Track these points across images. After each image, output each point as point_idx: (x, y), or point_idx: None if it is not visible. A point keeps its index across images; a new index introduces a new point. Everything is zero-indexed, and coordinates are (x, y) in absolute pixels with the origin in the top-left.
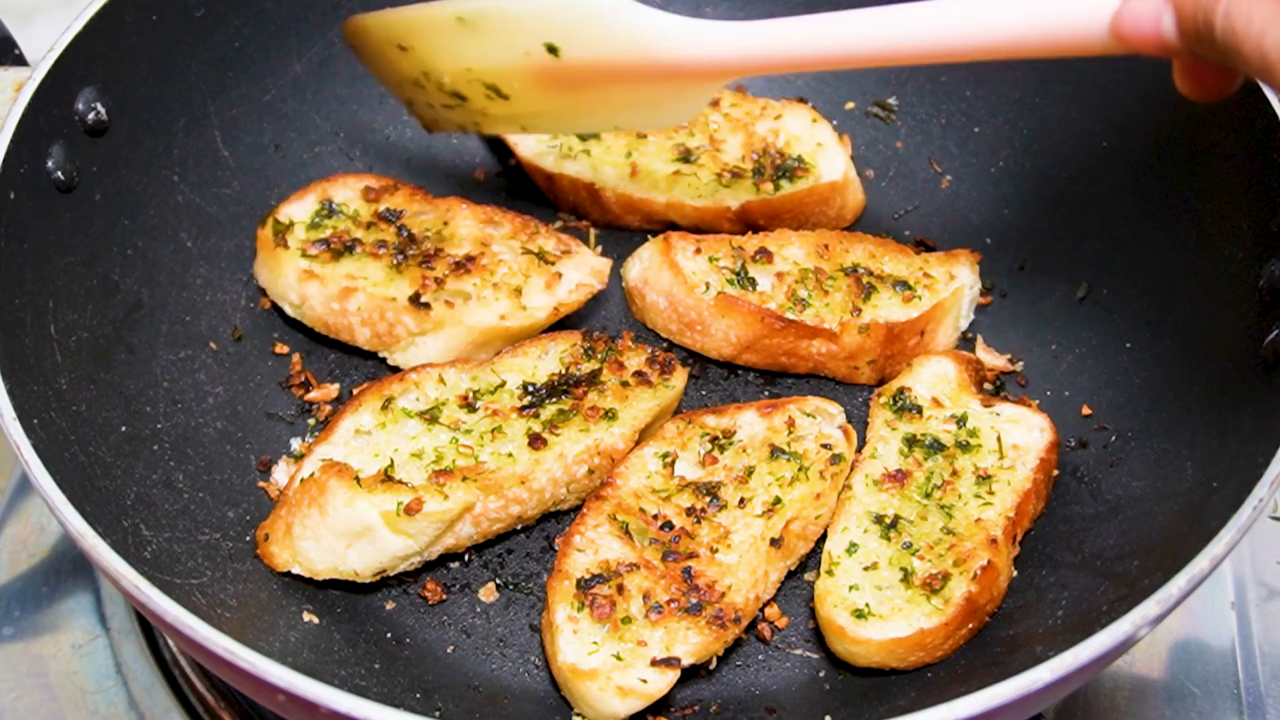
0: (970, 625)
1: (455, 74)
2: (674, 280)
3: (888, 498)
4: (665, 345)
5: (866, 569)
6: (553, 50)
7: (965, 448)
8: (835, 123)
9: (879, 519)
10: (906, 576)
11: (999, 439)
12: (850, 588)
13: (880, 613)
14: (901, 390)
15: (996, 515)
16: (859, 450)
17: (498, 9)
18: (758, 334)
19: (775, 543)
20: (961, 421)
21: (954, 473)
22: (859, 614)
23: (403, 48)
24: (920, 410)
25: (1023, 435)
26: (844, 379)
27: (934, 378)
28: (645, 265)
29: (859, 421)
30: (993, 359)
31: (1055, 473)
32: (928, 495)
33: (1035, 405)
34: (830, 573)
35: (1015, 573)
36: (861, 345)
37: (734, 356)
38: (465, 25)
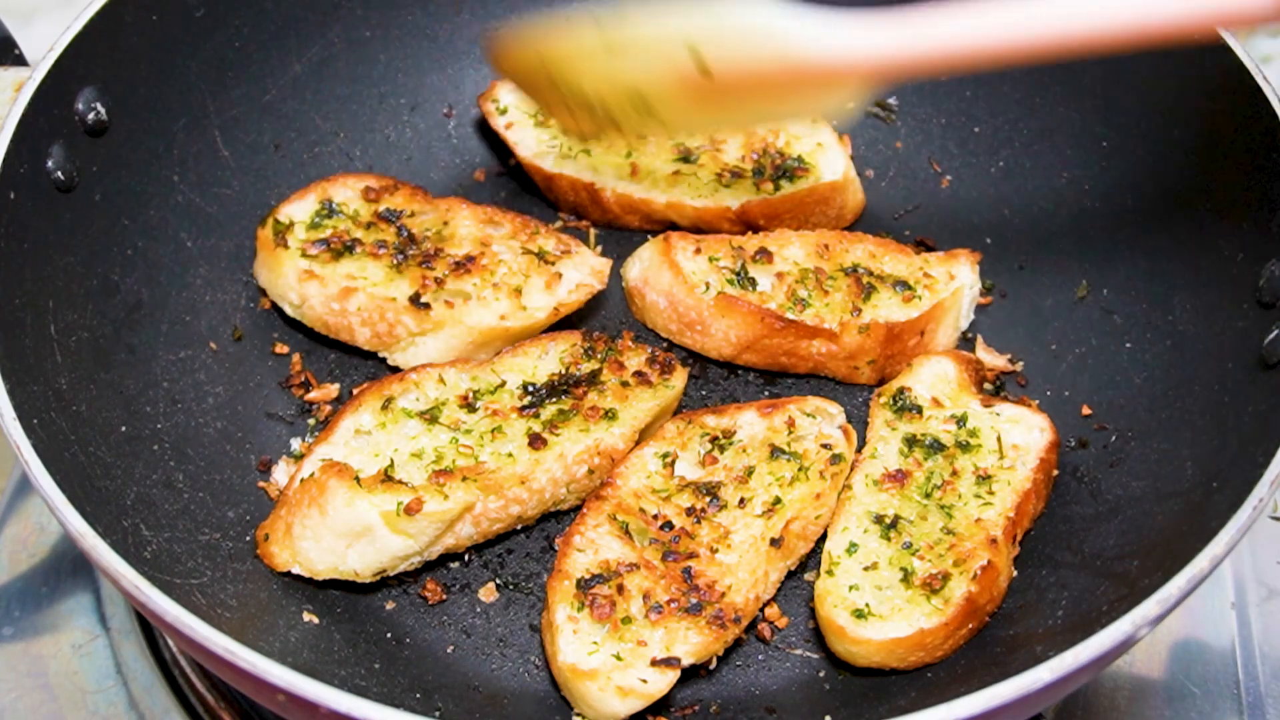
0: (970, 625)
1: (605, 95)
2: (674, 280)
3: (888, 498)
4: (665, 345)
5: (866, 569)
6: (703, 67)
7: (965, 448)
8: (835, 123)
9: (879, 519)
10: (906, 576)
11: (999, 439)
12: (850, 588)
13: (880, 613)
14: (901, 390)
15: (996, 515)
16: (859, 450)
17: (644, 31)
18: (758, 334)
19: (775, 543)
20: (961, 421)
21: (954, 473)
22: (859, 614)
23: (546, 72)
24: (920, 410)
25: (1023, 435)
26: (844, 379)
27: (934, 378)
28: (645, 265)
29: (859, 421)
30: (993, 359)
31: (1055, 473)
32: (928, 495)
33: (1035, 405)
34: (830, 573)
35: (1015, 573)
36: (861, 345)
37: (734, 356)
38: (612, 50)
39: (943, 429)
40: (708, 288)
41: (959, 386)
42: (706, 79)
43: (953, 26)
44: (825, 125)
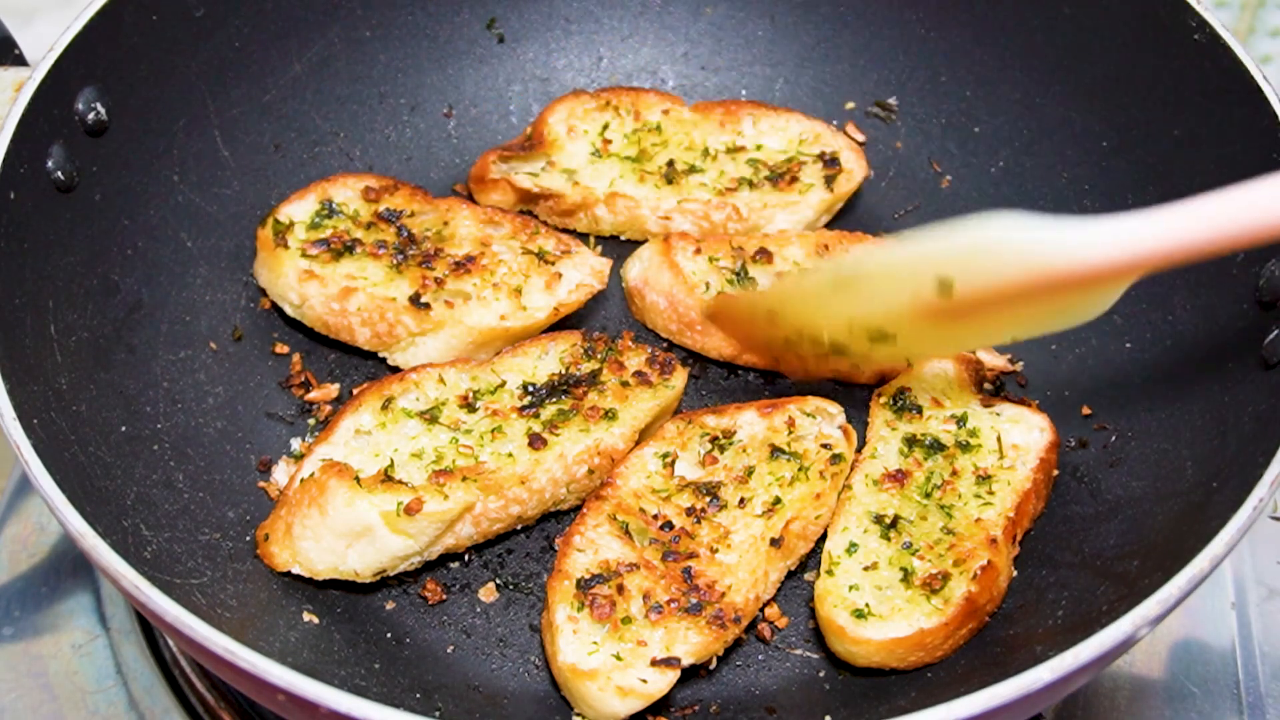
0: (970, 625)
1: (835, 330)
2: (674, 280)
3: (888, 498)
4: (665, 345)
5: (866, 569)
6: (945, 289)
7: (965, 448)
8: (835, 122)
9: (879, 519)
10: (906, 576)
11: (999, 439)
12: (850, 588)
13: (880, 613)
14: (901, 390)
15: (996, 515)
16: (859, 450)
17: (880, 266)
18: None
19: (775, 543)
20: (961, 421)
21: (954, 473)
22: (859, 614)
23: (772, 322)
24: (920, 410)
25: (1023, 435)
26: (844, 378)
27: (934, 377)
28: (645, 265)
29: (859, 421)
30: (993, 359)
31: (1055, 473)
32: (928, 495)
33: (1035, 405)
34: (830, 573)
35: (1015, 573)
36: None
37: (734, 357)
38: (845, 288)
39: (943, 429)
40: (708, 288)
41: (959, 386)
42: (948, 301)
43: (1201, 217)
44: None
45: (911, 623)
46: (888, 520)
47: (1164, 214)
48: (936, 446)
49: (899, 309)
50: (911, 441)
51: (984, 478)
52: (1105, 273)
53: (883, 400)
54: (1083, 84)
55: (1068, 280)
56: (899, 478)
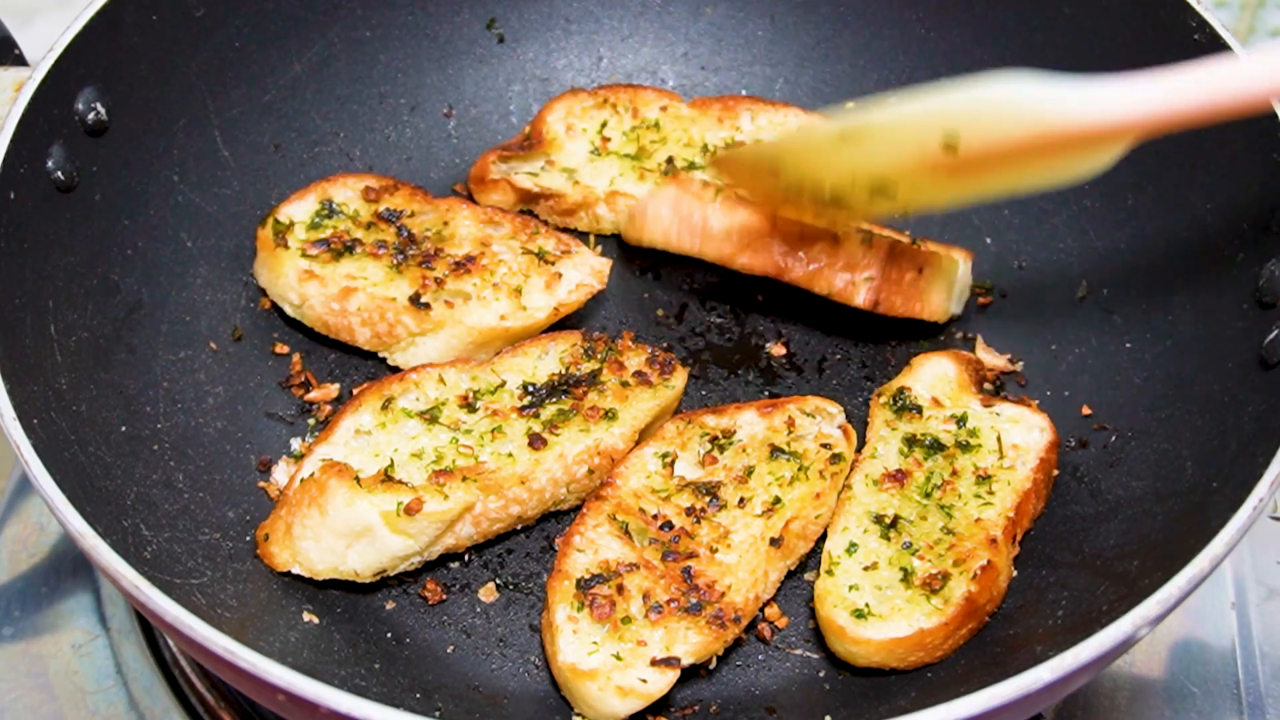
0: (970, 625)
1: (837, 183)
2: (679, 191)
3: (888, 497)
4: (659, 346)
5: (866, 569)
6: (950, 146)
7: (965, 448)
8: None
9: (879, 519)
10: (906, 576)
11: (999, 439)
12: (850, 588)
13: (880, 613)
14: (901, 390)
15: (996, 515)
16: (859, 450)
17: (885, 122)
18: (761, 228)
19: (775, 542)
20: (961, 421)
21: (954, 472)
22: (859, 614)
23: (775, 172)
24: (920, 410)
25: (1023, 435)
26: (837, 297)
27: (934, 377)
28: (651, 191)
29: (859, 421)
30: (993, 359)
31: (1055, 473)
32: (928, 495)
33: (1035, 405)
34: (830, 572)
35: (1015, 573)
36: (862, 257)
37: (731, 258)
38: (848, 141)
39: (942, 429)
40: (716, 192)
41: (959, 386)
42: (952, 157)
43: (1211, 79)
44: None
45: (911, 623)
46: (888, 520)
47: (1171, 77)
48: (936, 446)
49: (903, 164)
50: (911, 441)
51: (984, 478)
52: (1109, 132)
53: (882, 400)
54: None
55: (1072, 138)
56: (899, 478)
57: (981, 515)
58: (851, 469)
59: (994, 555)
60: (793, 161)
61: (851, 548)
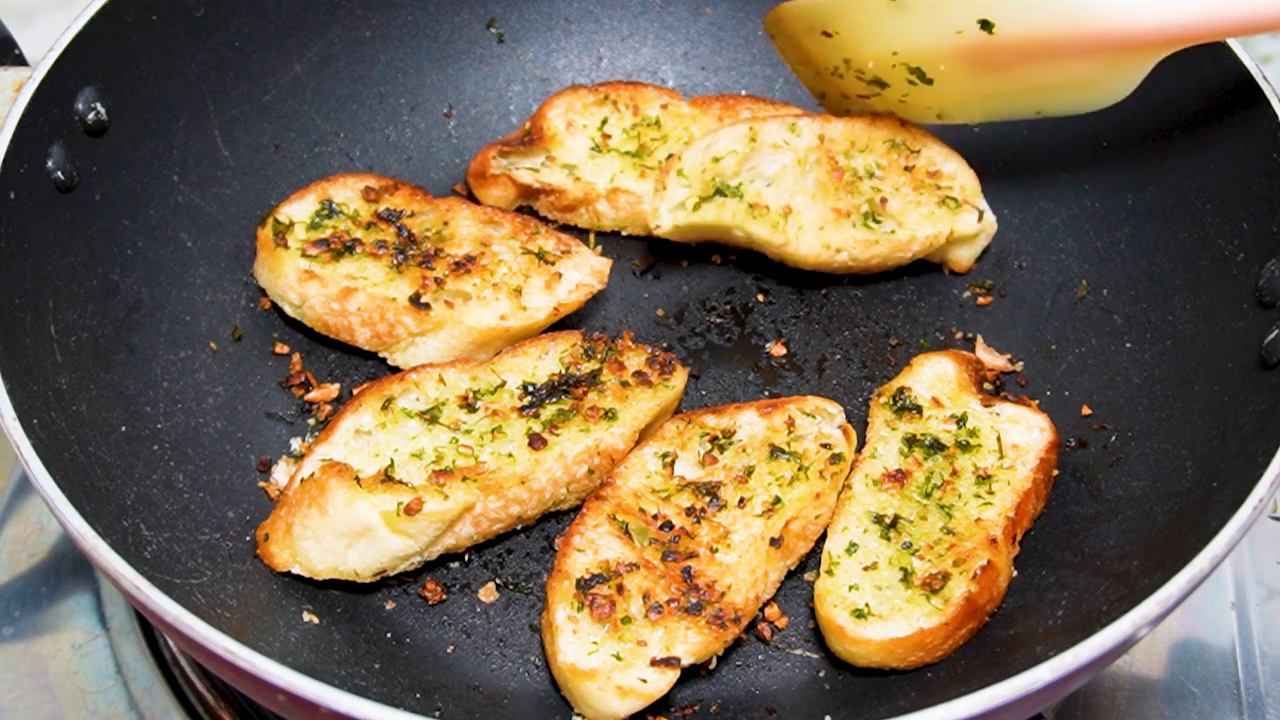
0: (970, 625)
1: (880, 59)
2: None
3: (888, 498)
4: (665, 346)
5: (866, 569)
6: (987, 26)
7: (965, 448)
8: None
9: (879, 519)
10: (906, 576)
11: (999, 439)
12: (850, 588)
13: (880, 613)
14: (901, 390)
15: (996, 515)
16: (859, 450)
17: None
18: None
19: (775, 542)
20: (961, 421)
21: (954, 473)
22: (859, 614)
23: (827, 33)
24: (920, 410)
25: (1023, 435)
26: (876, 113)
27: (934, 378)
28: None
29: (859, 421)
30: (993, 359)
31: (1055, 473)
32: (928, 495)
33: (1035, 405)
34: (830, 573)
35: (1015, 573)
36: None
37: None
38: (897, 5)
39: (943, 429)
40: None
41: (959, 386)
42: (988, 38)
43: None
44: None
45: (911, 623)
46: (888, 520)
47: None
48: (936, 446)
49: (941, 43)
50: (911, 441)
51: (984, 478)
52: (1140, 37)
53: (882, 400)
54: None
55: (1104, 37)
56: (899, 478)
57: (981, 515)
58: (851, 469)
59: (994, 555)
60: (844, 20)
61: (851, 548)
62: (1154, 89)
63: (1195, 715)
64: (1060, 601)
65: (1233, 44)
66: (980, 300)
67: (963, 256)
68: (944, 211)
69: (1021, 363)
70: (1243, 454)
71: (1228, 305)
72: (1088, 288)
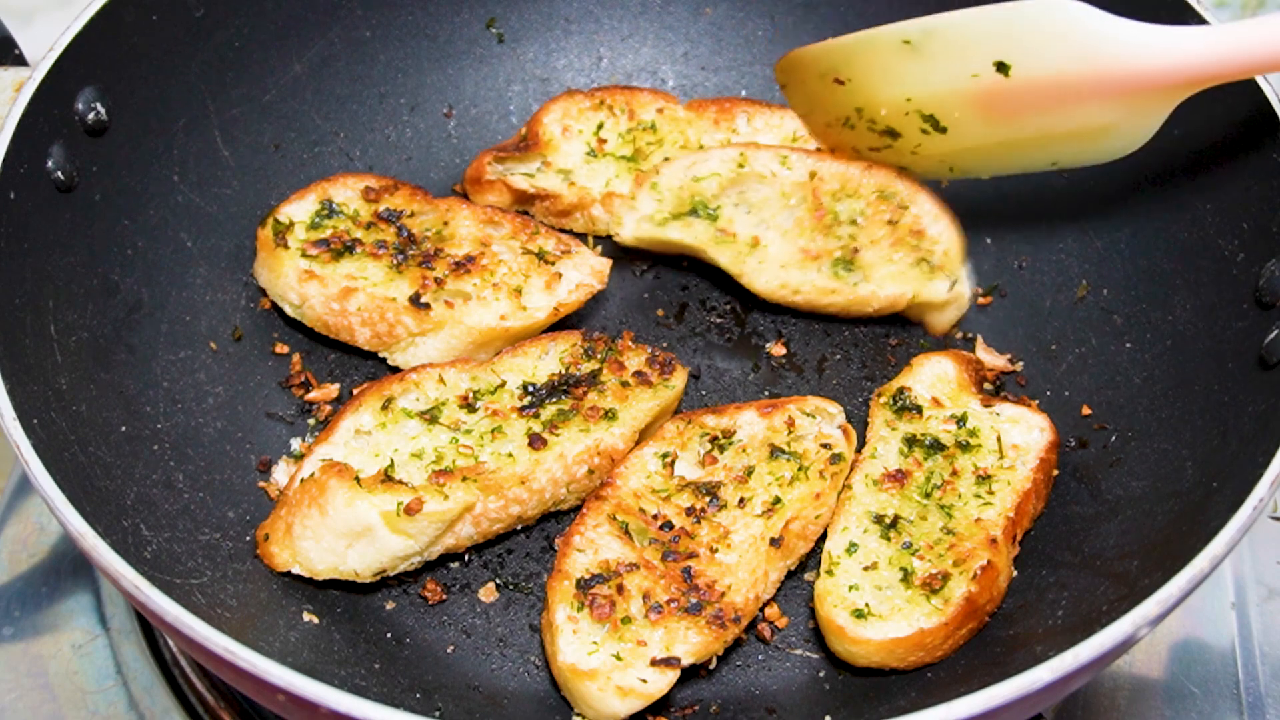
0: (970, 625)
1: (893, 106)
2: None
3: (888, 497)
4: (665, 346)
5: (866, 569)
6: (1003, 68)
7: (965, 448)
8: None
9: (879, 519)
10: (906, 576)
11: (999, 439)
12: (850, 588)
13: (880, 612)
14: (901, 390)
15: (996, 515)
16: (859, 450)
17: (948, 26)
18: None
19: (775, 542)
20: (961, 421)
21: (954, 472)
22: (859, 614)
23: (840, 80)
24: (920, 410)
25: (1023, 435)
26: (884, 164)
27: (934, 378)
28: None
29: (859, 421)
30: (993, 359)
31: (1055, 473)
32: (928, 495)
33: (1035, 405)
34: (830, 573)
35: (1015, 573)
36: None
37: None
38: (912, 48)
39: (943, 429)
40: None
41: (959, 386)
42: (1004, 82)
43: (1260, 35)
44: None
45: (911, 623)
46: (888, 520)
47: (1225, 29)
48: (936, 446)
49: (956, 88)
50: (911, 441)
51: (984, 478)
52: (1161, 79)
53: (883, 400)
54: None
55: (1124, 79)
56: (899, 478)
57: (981, 515)
58: (851, 469)
59: (994, 555)
60: (857, 66)
61: (851, 548)
62: None
63: (1195, 715)
64: (1060, 601)
65: None
66: (980, 300)
67: (936, 320)
68: (916, 273)
69: (1021, 363)
70: (1243, 454)
71: (1228, 305)
72: (1088, 288)
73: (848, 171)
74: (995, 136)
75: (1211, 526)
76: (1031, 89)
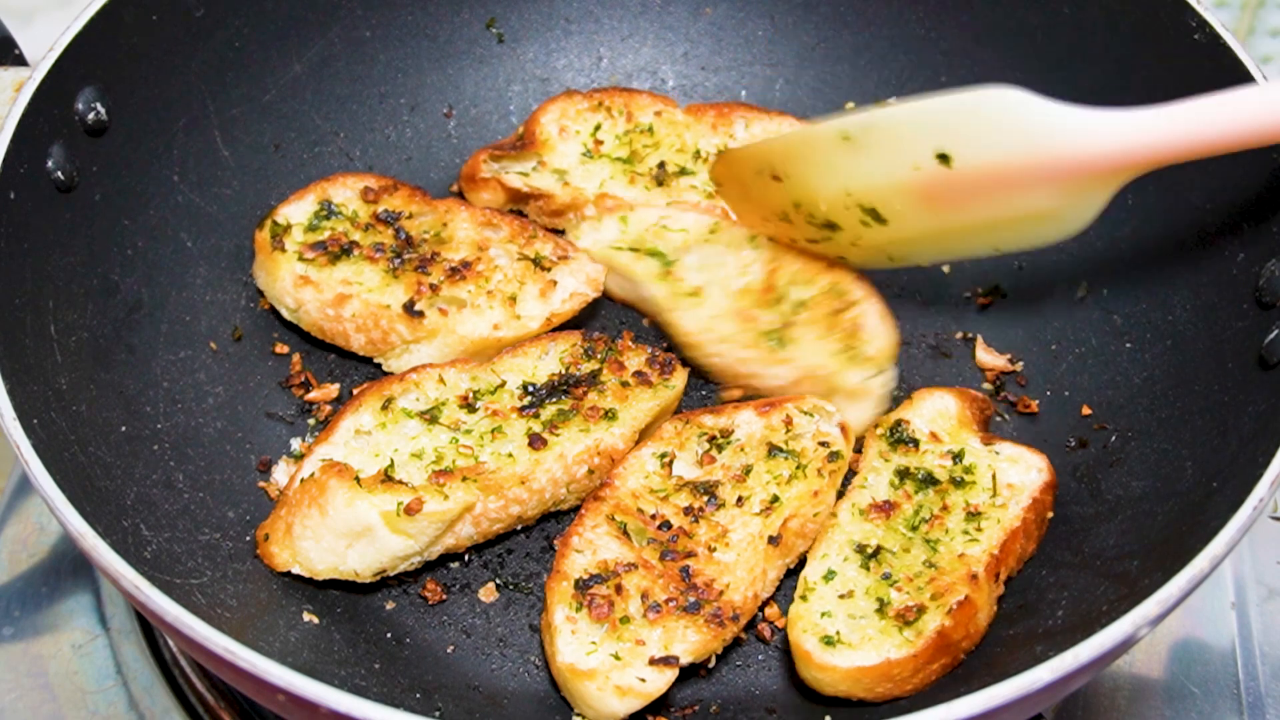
0: (942, 660)
1: (832, 200)
2: None
3: (872, 528)
4: (664, 346)
5: (842, 596)
6: (944, 159)
7: (959, 484)
8: None
9: (861, 548)
10: (882, 607)
11: (994, 476)
12: (823, 614)
13: (849, 641)
14: (899, 423)
15: (981, 551)
16: (848, 481)
17: (889, 119)
18: None
19: (773, 540)
20: (958, 458)
21: (944, 507)
22: (828, 640)
23: (777, 176)
24: (917, 444)
25: (1019, 475)
26: (826, 260)
27: (934, 412)
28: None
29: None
30: (993, 359)
31: (1050, 515)
32: (914, 528)
33: (1036, 450)
34: (804, 598)
35: (996, 610)
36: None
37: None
38: (851, 142)
39: (938, 464)
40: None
41: (959, 423)
42: (946, 172)
43: (1216, 114)
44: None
45: (880, 652)
46: (870, 550)
47: (1166, 111)
48: (929, 481)
49: (897, 180)
50: (904, 474)
51: (974, 514)
52: (1103, 163)
53: (879, 431)
54: (1083, 84)
55: (1066, 166)
56: (886, 509)
57: (966, 551)
58: (839, 498)
59: (973, 591)
60: (796, 162)
61: (829, 575)
62: (1154, 89)
63: (1195, 715)
64: (1060, 601)
65: (1233, 44)
66: (980, 300)
67: (853, 414)
68: (840, 358)
69: (1022, 363)
70: (1243, 454)
71: (1228, 305)
72: (1088, 288)
73: (810, 265)
74: (937, 225)
75: (1211, 526)
76: (974, 178)
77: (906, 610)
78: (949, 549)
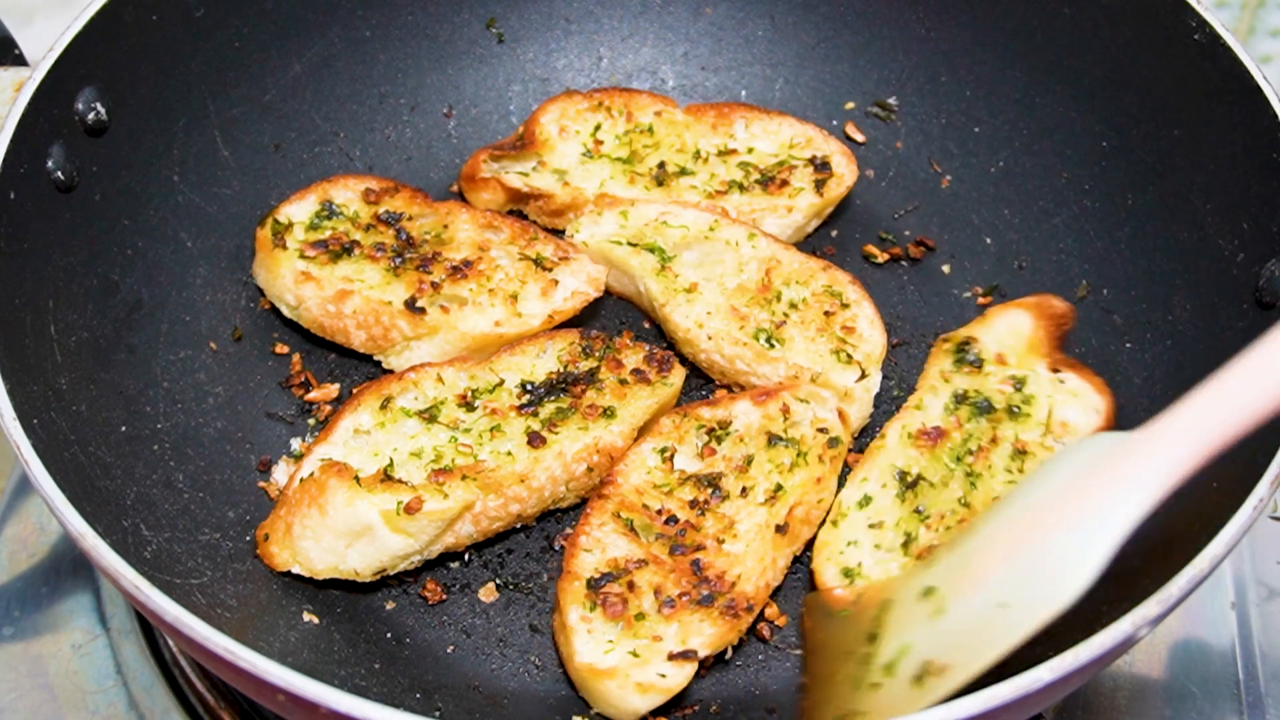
0: None
1: (895, 657)
2: None
3: (917, 454)
4: (665, 345)
5: (872, 525)
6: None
7: (1014, 414)
8: (834, 122)
9: (902, 475)
10: (908, 542)
11: (1050, 411)
12: (849, 543)
13: (869, 576)
14: (968, 340)
15: None
16: (905, 398)
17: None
18: None
19: (780, 529)
20: (1020, 385)
21: (993, 439)
22: (847, 573)
23: (874, 635)
24: (981, 364)
25: (1076, 414)
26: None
27: (1006, 330)
28: None
29: (916, 370)
30: None
31: None
32: (958, 459)
33: (1102, 384)
34: (835, 523)
35: None
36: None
37: None
38: (931, 597)
39: (998, 388)
40: None
41: (1029, 347)
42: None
43: (1228, 406)
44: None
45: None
46: (910, 479)
47: (1183, 418)
48: (985, 409)
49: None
50: (961, 399)
51: (1020, 452)
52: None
53: (946, 347)
54: (1083, 84)
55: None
56: (935, 436)
57: (1002, 493)
58: (892, 418)
59: None
60: (888, 629)
61: (865, 500)
62: (1154, 88)
63: (1195, 715)
64: None
65: (1233, 44)
66: (980, 300)
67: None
68: (829, 359)
69: None
70: (1243, 454)
71: (1228, 305)
72: (1088, 288)
73: (806, 265)
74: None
75: (1211, 526)
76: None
77: (929, 550)
78: (986, 489)
